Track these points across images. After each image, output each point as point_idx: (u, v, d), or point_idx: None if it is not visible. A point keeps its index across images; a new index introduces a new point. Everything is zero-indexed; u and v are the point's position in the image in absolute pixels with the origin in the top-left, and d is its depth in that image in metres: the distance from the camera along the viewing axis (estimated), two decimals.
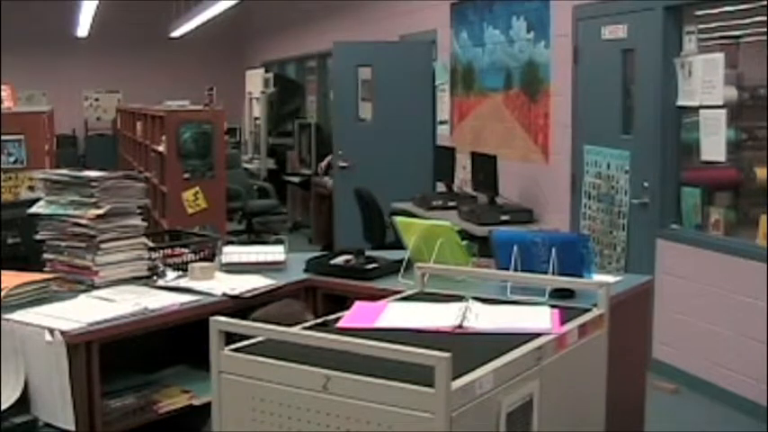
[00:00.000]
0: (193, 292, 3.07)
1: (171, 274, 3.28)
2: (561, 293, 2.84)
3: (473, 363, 1.85)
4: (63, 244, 3.11)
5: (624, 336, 2.82)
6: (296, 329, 2.08)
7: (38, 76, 14.54)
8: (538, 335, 2.11)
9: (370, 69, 8.61)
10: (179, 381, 3.15)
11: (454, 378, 1.72)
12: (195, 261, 3.40)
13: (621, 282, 3.21)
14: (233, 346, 1.99)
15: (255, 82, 13.00)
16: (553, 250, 2.96)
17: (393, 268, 3.31)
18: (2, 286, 2.83)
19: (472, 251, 3.58)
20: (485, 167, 6.72)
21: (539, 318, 2.27)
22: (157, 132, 7.82)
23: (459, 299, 2.46)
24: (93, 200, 3.06)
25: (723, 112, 4.83)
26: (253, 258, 3.48)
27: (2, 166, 5.72)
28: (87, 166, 9.84)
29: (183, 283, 3.17)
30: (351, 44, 8.73)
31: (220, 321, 1.98)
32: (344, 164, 8.32)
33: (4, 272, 2.93)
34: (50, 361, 2.62)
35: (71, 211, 3.09)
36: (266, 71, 13.13)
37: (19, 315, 2.76)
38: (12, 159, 5.83)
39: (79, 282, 3.08)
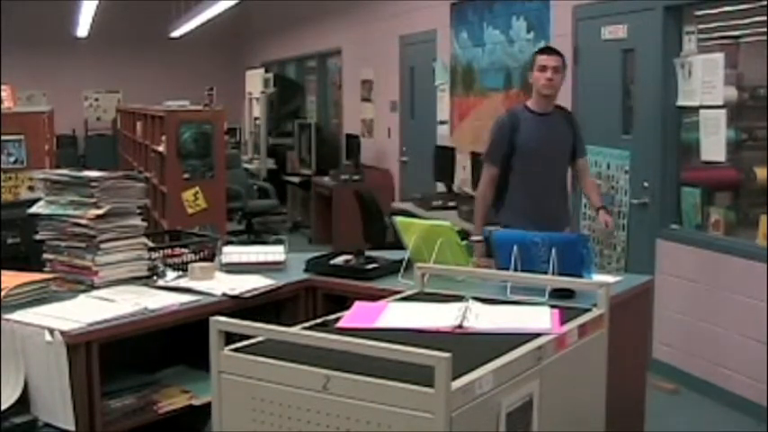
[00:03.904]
0: (193, 292, 3.07)
1: (171, 274, 3.27)
2: (561, 293, 2.84)
3: (473, 363, 1.86)
4: (63, 244, 3.11)
5: (624, 336, 2.82)
6: (296, 329, 2.08)
7: (38, 76, 14.52)
8: (538, 335, 2.11)
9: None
10: (179, 381, 3.15)
11: (454, 378, 1.72)
12: (195, 261, 3.40)
13: (621, 282, 3.21)
14: (233, 346, 1.99)
15: (255, 82, 12.98)
16: (553, 250, 2.96)
17: (393, 268, 3.31)
18: (2, 286, 2.83)
19: (472, 251, 3.58)
20: None
21: (539, 318, 2.27)
22: (157, 132, 7.81)
23: (460, 299, 2.47)
24: (93, 200, 3.06)
25: (723, 112, 4.82)
26: (253, 258, 3.48)
27: (2, 166, 5.71)
28: (87, 166, 9.86)
29: (183, 283, 3.17)
30: None
31: (220, 321, 1.98)
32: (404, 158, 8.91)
33: (4, 272, 2.93)
34: (50, 361, 2.62)
35: (71, 212, 3.09)
36: (266, 71, 13.11)
37: (19, 315, 2.76)
38: (12, 159, 5.82)
39: (79, 282, 3.08)
